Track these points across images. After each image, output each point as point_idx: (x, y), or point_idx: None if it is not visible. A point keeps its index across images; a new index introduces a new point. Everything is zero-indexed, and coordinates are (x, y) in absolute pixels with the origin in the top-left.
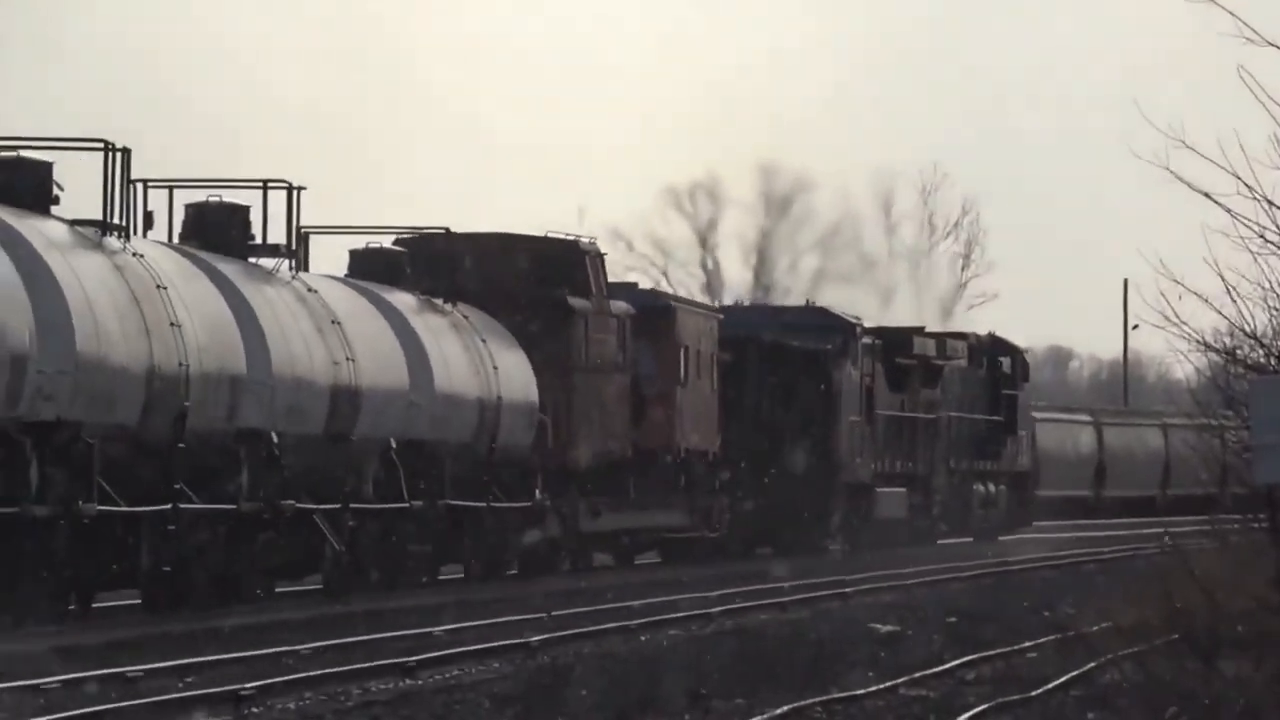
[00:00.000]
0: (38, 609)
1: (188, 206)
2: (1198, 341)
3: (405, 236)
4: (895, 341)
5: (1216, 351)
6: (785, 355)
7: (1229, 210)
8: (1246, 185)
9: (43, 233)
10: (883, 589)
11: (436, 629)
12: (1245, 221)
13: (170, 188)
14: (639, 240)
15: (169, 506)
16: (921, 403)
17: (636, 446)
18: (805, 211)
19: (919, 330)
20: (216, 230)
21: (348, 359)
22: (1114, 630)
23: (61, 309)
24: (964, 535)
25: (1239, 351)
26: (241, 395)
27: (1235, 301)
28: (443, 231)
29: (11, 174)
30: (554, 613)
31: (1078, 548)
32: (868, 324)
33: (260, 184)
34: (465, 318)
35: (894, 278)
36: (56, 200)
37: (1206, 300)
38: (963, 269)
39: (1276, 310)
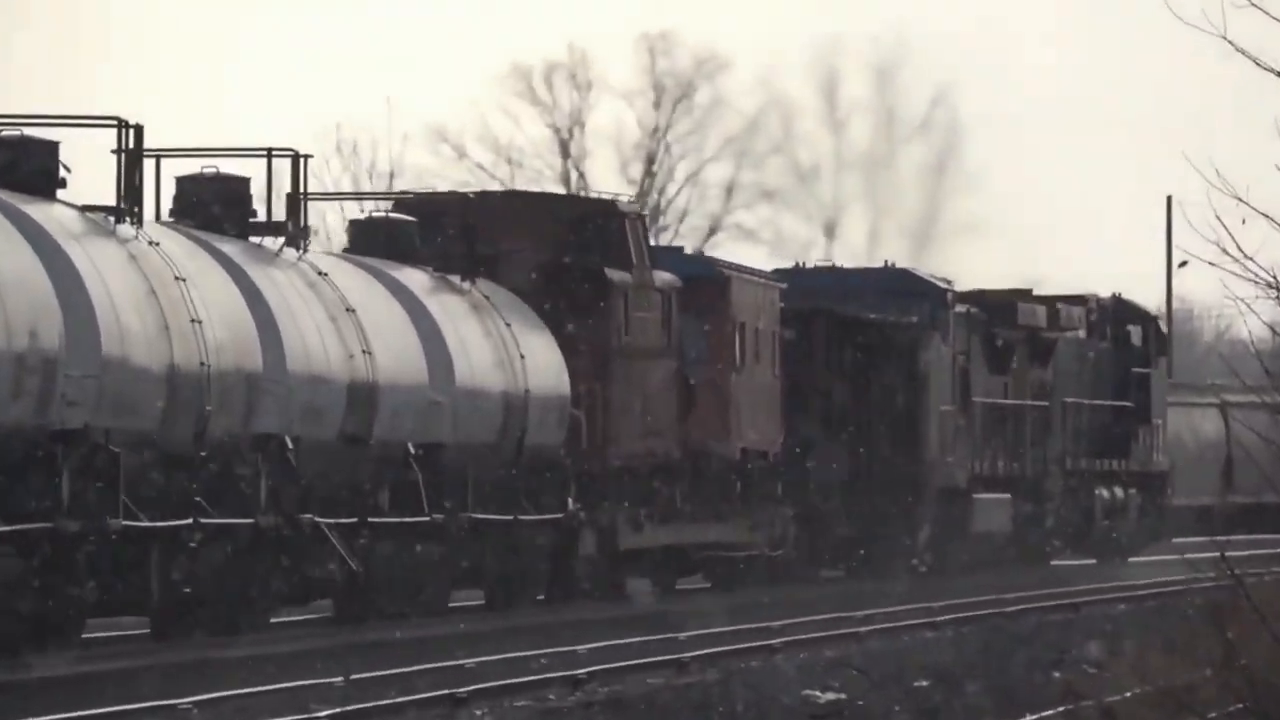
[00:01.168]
0: (62, 633)
1: (180, 179)
2: (1268, 283)
3: (407, 198)
4: (995, 309)
5: None
6: (861, 331)
7: None
8: None
9: (60, 221)
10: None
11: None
12: None
13: (157, 157)
14: (471, 143)
15: (190, 521)
16: (1029, 386)
17: (684, 445)
18: (712, 101)
19: (1024, 294)
20: (215, 207)
21: (364, 351)
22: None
23: (86, 306)
24: (1085, 555)
25: None
26: (259, 396)
27: None
28: (454, 194)
29: (15, 155)
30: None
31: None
32: (945, 283)
33: (264, 152)
34: (486, 297)
35: (841, 196)
36: (63, 183)
37: None
38: (935, 187)
39: None
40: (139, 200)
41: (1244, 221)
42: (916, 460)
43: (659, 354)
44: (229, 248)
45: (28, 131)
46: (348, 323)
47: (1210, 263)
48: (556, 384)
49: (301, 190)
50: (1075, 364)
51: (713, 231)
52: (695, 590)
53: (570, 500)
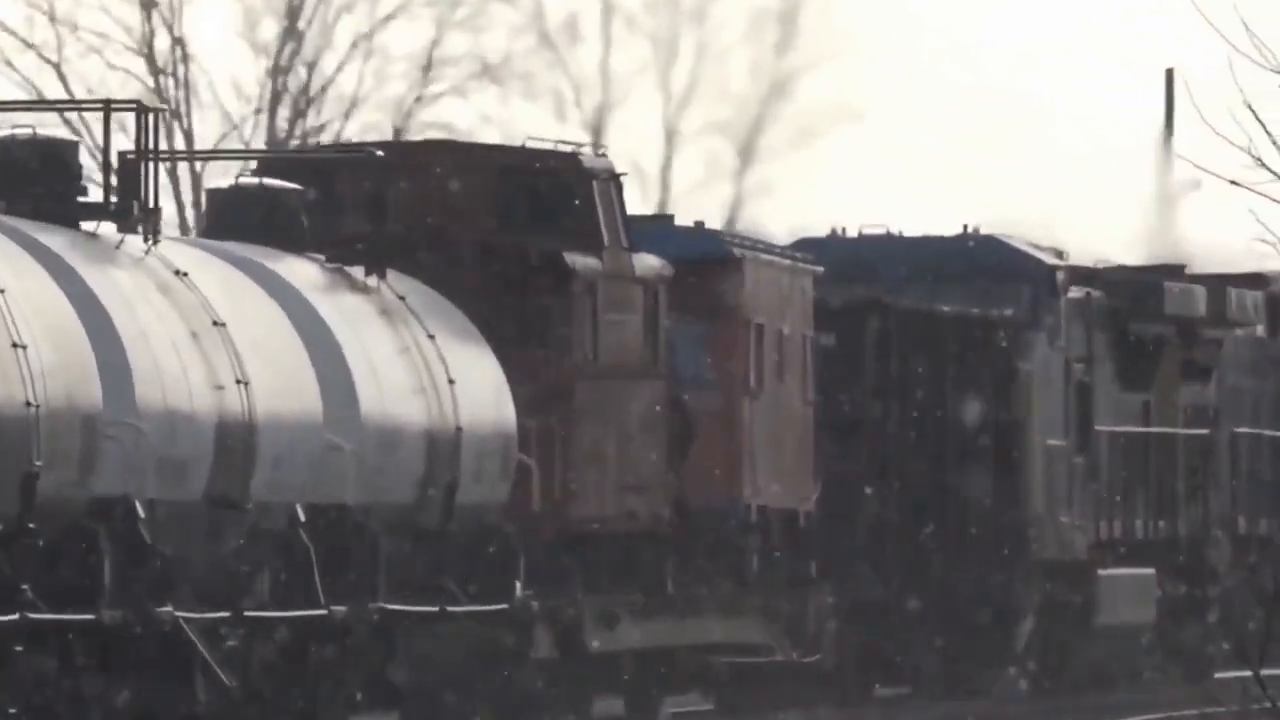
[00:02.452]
0: None
1: None
2: None
3: (285, 156)
4: (1130, 294)
5: None
6: (930, 331)
7: None
8: None
9: None
10: None
11: None
12: None
13: None
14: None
15: (16, 617)
16: (1182, 409)
17: (677, 503)
18: None
19: (1174, 270)
20: (30, 182)
21: (238, 381)
22: None
23: None
24: (1269, 664)
25: None
26: (100, 442)
27: None
28: (352, 149)
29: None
30: None
31: None
32: (1054, 256)
33: (100, 104)
34: (400, 298)
35: (619, 71)
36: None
37: None
38: (768, 97)
39: None
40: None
41: None
42: (1013, 522)
43: (641, 373)
44: (53, 239)
45: None
46: (215, 341)
47: (1233, 182)
48: (497, 418)
49: (149, 153)
50: (1250, 377)
51: (398, 133)
52: (693, 715)
53: (518, 583)
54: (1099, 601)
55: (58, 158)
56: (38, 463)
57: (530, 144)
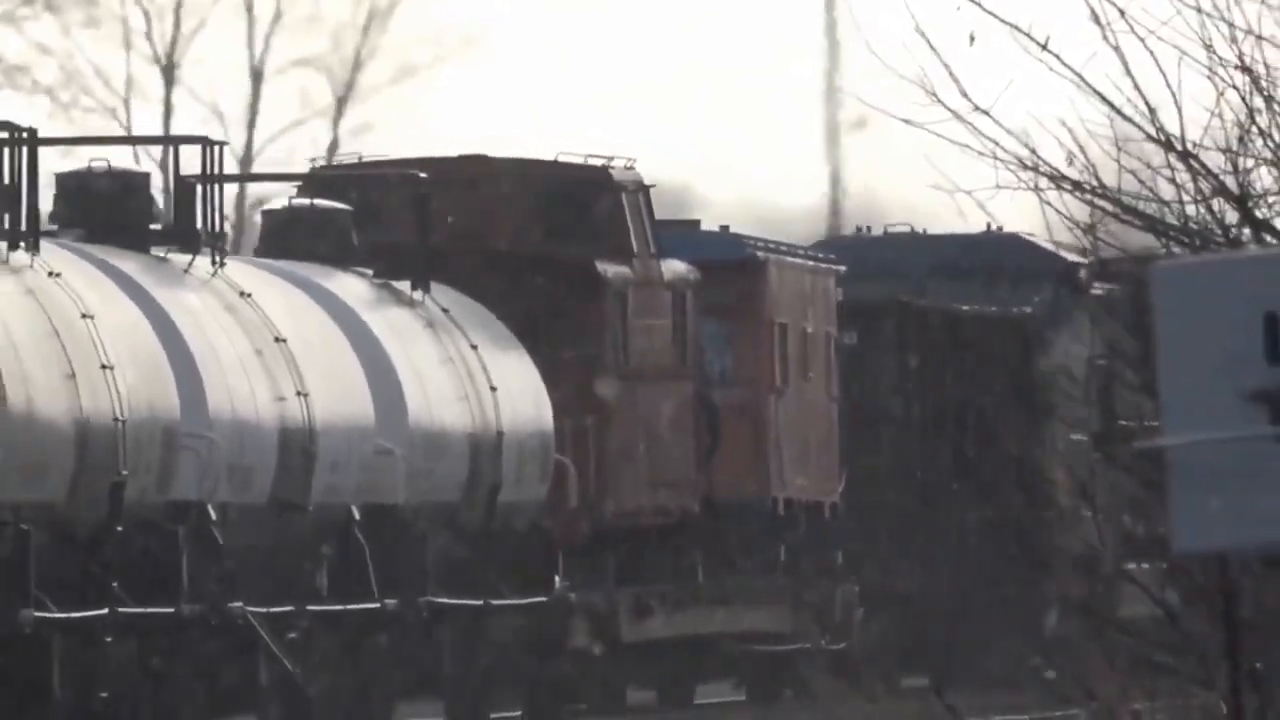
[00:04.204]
0: None
1: (62, 178)
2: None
3: (326, 174)
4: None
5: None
6: (951, 330)
7: None
8: None
9: None
10: None
11: None
12: None
13: (14, 142)
14: None
15: (105, 612)
16: None
17: (707, 497)
18: None
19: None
20: (108, 212)
21: (299, 393)
22: None
23: None
24: None
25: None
26: (177, 452)
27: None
28: (395, 166)
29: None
30: None
31: None
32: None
33: (166, 140)
34: (444, 310)
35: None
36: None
37: None
38: (367, 28)
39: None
40: (36, 223)
41: (972, 39)
42: (1034, 515)
43: (670, 374)
44: (129, 264)
45: None
46: (277, 354)
47: (906, 120)
48: (536, 422)
49: (215, 185)
50: None
51: None
52: (724, 704)
53: (556, 577)
54: (1120, 596)
55: (131, 188)
56: (124, 471)
57: (563, 158)
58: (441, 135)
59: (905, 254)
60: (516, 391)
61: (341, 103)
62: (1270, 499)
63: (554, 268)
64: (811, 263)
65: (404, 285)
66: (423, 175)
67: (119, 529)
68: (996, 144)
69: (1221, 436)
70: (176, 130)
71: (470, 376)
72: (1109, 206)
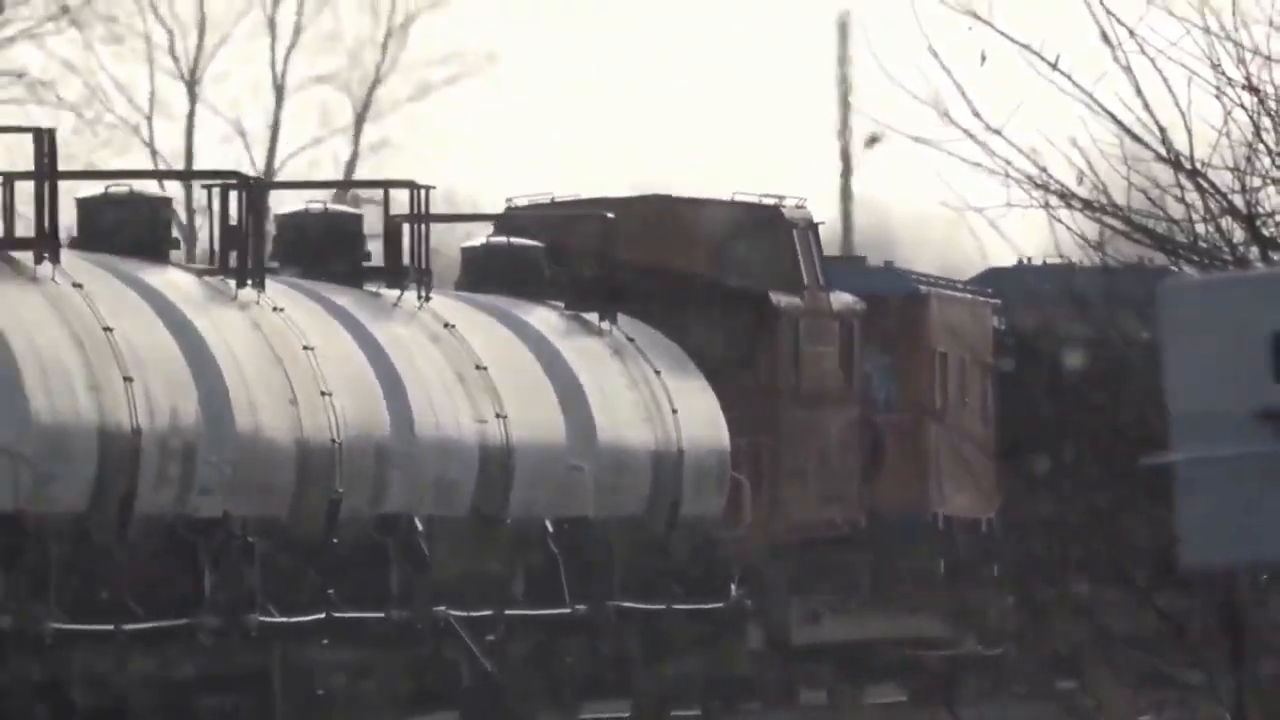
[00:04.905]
0: None
1: (281, 219)
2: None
3: (520, 212)
4: None
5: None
6: (1097, 357)
7: None
8: None
9: (181, 288)
10: None
11: None
12: None
13: (241, 187)
14: None
15: (323, 616)
16: None
17: (872, 512)
18: None
19: None
20: (322, 251)
21: (498, 415)
22: None
23: (219, 383)
24: None
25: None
26: (388, 470)
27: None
28: (582, 206)
29: (125, 214)
30: None
31: None
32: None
33: (380, 184)
34: (629, 339)
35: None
36: (176, 244)
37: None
38: (386, 45)
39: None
40: (261, 261)
41: (984, 59)
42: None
43: (837, 397)
44: (342, 298)
45: (136, 187)
46: (478, 382)
47: (916, 139)
48: (714, 441)
49: (422, 224)
50: None
51: None
52: (889, 705)
53: (733, 585)
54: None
55: (344, 228)
56: (339, 489)
57: (739, 198)
58: (460, 151)
59: (1065, 283)
60: (695, 414)
61: (360, 119)
62: (1277, 514)
63: (731, 299)
64: (970, 296)
65: (592, 316)
66: (609, 214)
67: (335, 541)
68: (1008, 163)
69: (1229, 453)
70: (200, 146)
71: (653, 399)
72: (1118, 224)
